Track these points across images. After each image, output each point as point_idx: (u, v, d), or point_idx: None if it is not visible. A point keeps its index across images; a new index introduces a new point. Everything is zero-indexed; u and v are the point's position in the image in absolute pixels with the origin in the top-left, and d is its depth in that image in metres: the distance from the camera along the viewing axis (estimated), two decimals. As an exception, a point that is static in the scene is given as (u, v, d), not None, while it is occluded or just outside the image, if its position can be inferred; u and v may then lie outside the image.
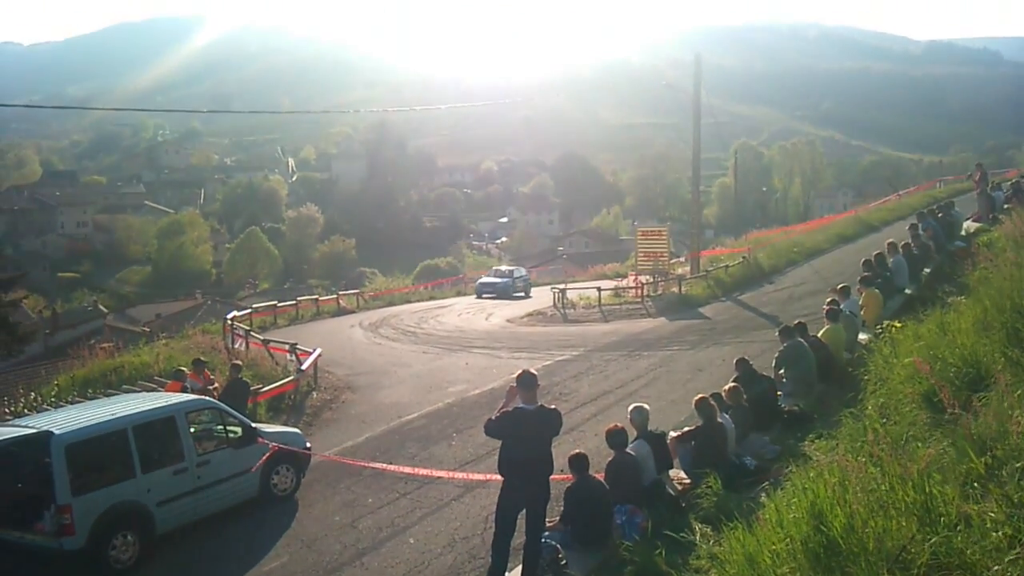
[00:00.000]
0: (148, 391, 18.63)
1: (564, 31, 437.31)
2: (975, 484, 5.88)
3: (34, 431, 10.73)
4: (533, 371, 8.86)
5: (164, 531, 11.25)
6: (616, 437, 9.98)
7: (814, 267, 31.83)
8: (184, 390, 15.38)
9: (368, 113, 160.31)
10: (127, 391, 19.52)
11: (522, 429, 8.50)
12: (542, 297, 35.51)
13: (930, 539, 5.25)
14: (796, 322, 14.90)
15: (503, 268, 51.90)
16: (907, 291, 18.85)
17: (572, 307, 32.55)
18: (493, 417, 8.73)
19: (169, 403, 12.29)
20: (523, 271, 50.25)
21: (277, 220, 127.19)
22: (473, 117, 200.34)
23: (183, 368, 17.50)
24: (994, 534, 5.02)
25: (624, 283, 36.16)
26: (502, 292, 43.44)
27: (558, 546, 9.03)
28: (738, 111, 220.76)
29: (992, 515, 5.23)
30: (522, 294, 44.39)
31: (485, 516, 10.79)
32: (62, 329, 52.68)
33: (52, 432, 10.47)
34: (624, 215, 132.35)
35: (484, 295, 43.46)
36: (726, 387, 12.18)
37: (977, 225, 25.45)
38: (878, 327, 14.70)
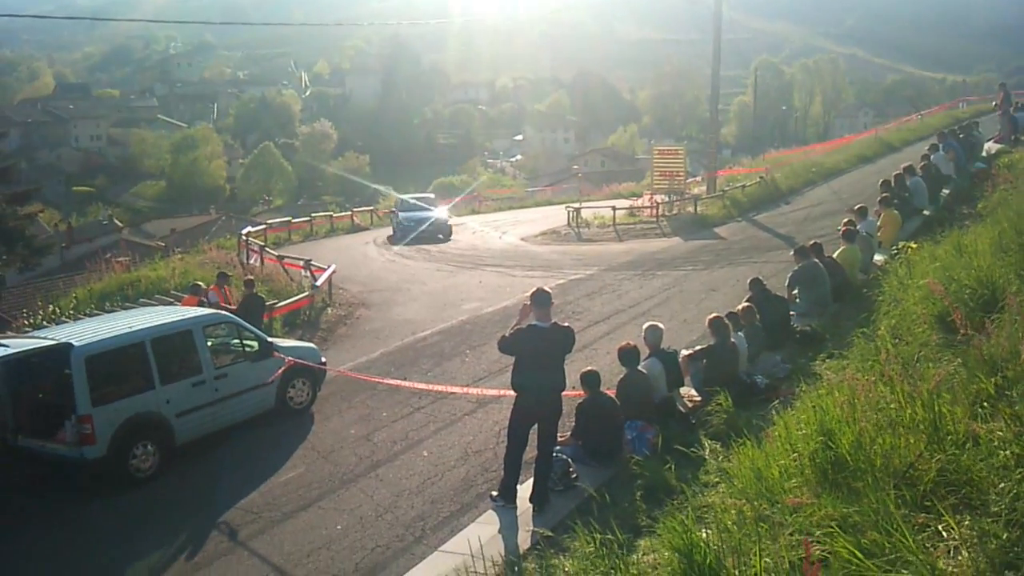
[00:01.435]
0: (165, 305, 18.83)
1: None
2: (984, 404, 5.90)
3: (54, 342, 10.88)
4: (547, 289, 8.87)
5: (183, 441, 11.49)
6: (628, 355, 10.05)
7: (832, 188, 31.50)
8: (202, 304, 15.53)
9: (382, 27, 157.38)
10: (144, 305, 19.71)
11: (536, 346, 8.55)
12: (557, 216, 35.33)
13: (937, 457, 5.30)
14: (811, 243, 14.78)
15: (418, 198, 36.91)
16: (925, 212, 18.70)
17: (586, 226, 32.42)
18: (507, 334, 8.78)
19: (186, 317, 12.40)
20: (432, 198, 37.84)
21: (291, 136, 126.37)
22: (489, 32, 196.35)
23: (199, 283, 17.61)
24: (1002, 453, 5.06)
25: (639, 202, 35.92)
26: (431, 228, 32.09)
27: (569, 460, 9.18)
28: (759, 27, 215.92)
29: (1000, 434, 5.26)
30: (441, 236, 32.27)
31: (498, 431, 10.95)
32: (78, 243, 52.88)
33: (72, 344, 10.62)
34: (641, 134, 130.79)
35: (409, 236, 31.42)
36: (740, 307, 12.19)
37: (999, 147, 25.11)
38: (894, 248, 14.64)
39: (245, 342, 12.79)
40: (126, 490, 10.71)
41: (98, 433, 10.49)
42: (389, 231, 34.83)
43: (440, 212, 34.85)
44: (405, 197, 37.65)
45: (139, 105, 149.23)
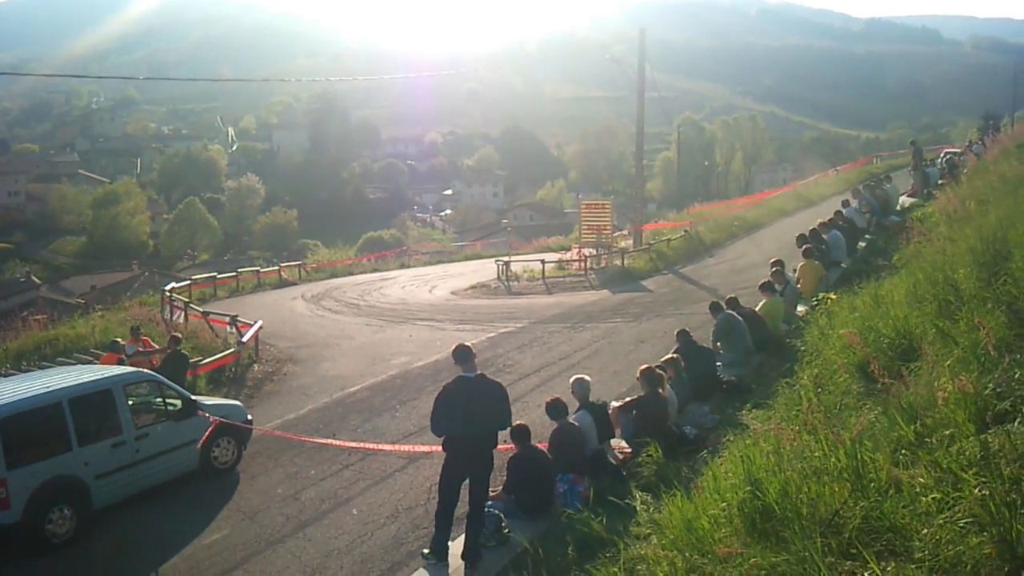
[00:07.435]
0: (84, 363, 18.29)
1: (510, 2, 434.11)
2: (905, 451, 6.04)
3: (-34, 405, 10.46)
4: (467, 344, 8.88)
5: (102, 504, 11.08)
6: (556, 408, 10.08)
7: (755, 240, 32.30)
8: (122, 361, 15.13)
9: (310, 83, 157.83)
10: (62, 364, 19.14)
11: (465, 396, 8.53)
12: (487, 269, 35.43)
13: (861, 504, 5.39)
14: (728, 297, 15.13)
15: None
16: (843, 265, 19.25)
17: (516, 279, 32.58)
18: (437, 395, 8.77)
19: (106, 376, 12.05)
20: None
21: (217, 191, 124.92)
22: (418, 88, 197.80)
23: (119, 340, 17.20)
24: (923, 499, 5.16)
25: (568, 256, 36.30)
26: None
27: (501, 515, 9.10)
28: (682, 86, 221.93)
29: (921, 480, 5.38)
30: None
31: (428, 487, 10.82)
32: (-7, 301, 51.31)
33: (-16, 405, 10.22)
34: (568, 188, 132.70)
35: None
36: (665, 358, 12.32)
37: (912, 200, 26.07)
38: (815, 299, 15.02)
39: (168, 401, 12.45)
40: (42, 556, 10.26)
41: (13, 497, 10.07)
42: (317, 286, 34.57)
43: None
44: None
45: (59, 160, 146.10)
